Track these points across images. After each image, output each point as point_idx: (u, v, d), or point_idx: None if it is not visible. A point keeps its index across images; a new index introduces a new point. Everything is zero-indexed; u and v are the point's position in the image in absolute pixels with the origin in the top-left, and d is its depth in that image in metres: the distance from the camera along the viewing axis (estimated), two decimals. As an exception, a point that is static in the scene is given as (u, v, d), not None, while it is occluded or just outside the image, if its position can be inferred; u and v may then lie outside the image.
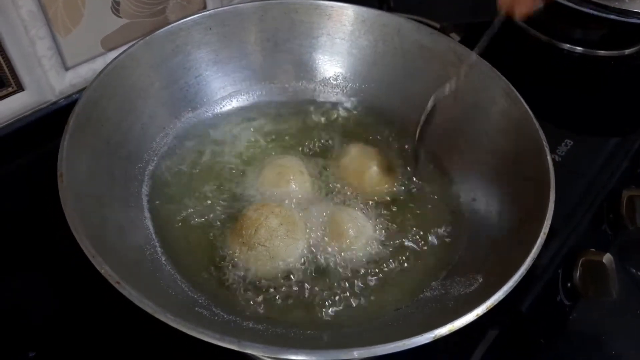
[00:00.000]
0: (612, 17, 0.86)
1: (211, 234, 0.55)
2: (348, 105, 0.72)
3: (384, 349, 0.36)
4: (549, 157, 0.50)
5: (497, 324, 0.56)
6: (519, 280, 0.41)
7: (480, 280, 0.46)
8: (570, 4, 0.87)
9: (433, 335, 0.37)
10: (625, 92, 0.89)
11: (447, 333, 0.37)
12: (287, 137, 0.67)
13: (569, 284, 0.63)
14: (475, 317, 0.38)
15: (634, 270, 0.71)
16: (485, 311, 0.39)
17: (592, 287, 0.62)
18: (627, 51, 0.95)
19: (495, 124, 0.59)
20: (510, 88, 0.57)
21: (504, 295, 0.40)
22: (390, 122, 0.69)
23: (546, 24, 0.97)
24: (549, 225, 0.44)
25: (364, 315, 0.49)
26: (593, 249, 0.64)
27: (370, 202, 0.60)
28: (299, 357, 0.35)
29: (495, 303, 0.39)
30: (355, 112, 0.71)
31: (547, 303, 0.61)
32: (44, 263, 0.58)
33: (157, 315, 0.37)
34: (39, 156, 0.69)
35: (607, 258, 0.62)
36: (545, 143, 0.51)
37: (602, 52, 0.94)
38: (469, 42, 0.84)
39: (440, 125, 0.65)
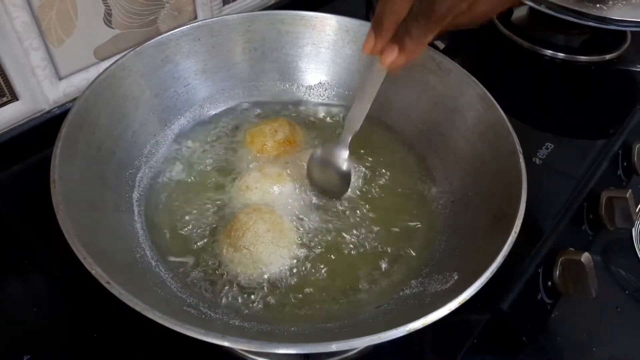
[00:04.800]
0: (592, 24, 0.88)
1: (200, 236, 0.57)
2: (332, 110, 0.74)
3: (361, 341, 0.38)
4: (521, 159, 0.52)
5: (480, 322, 0.58)
6: (491, 276, 0.42)
7: (455, 278, 0.48)
8: (551, 12, 0.90)
9: (407, 328, 0.38)
10: (605, 97, 0.92)
11: (421, 327, 0.38)
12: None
13: (549, 283, 0.64)
14: (448, 312, 0.40)
15: (614, 269, 0.73)
16: (457, 306, 0.40)
17: (572, 285, 0.63)
18: (607, 56, 0.97)
19: (472, 128, 0.60)
20: (486, 93, 0.59)
21: (476, 291, 0.41)
22: (373, 127, 0.70)
23: (528, 31, 1.00)
24: (520, 224, 0.46)
25: (346, 313, 0.51)
26: (572, 248, 0.66)
27: (351, 203, 0.62)
28: (280, 351, 0.37)
29: (468, 298, 0.41)
30: (338, 117, 0.73)
31: (528, 301, 0.62)
32: (38, 267, 0.60)
33: (145, 313, 0.38)
34: (33, 164, 0.70)
35: (585, 257, 0.63)
36: (518, 146, 0.53)
37: (583, 58, 0.96)
38: (453, 49, 0.87)
39: (421, 130, 0.67)
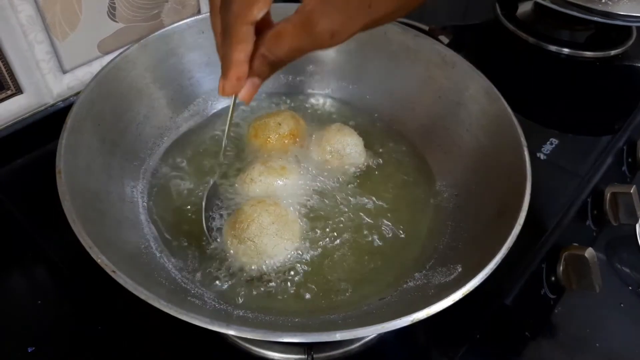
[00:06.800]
0: (597, 19, 0.88)
1: (204, 228, 0.57)
2: (336, 104, 0.74)
3: (365, 331, 0.38)
4: (525, 152, 0.52)
5: (483, 317, 0.58)
6: (494, 268, 0.42)
7: (459, 270, 0.48)
8: (556, 7, 0.90)
9: (411, 319, 0.38)
10: (610, 93, 0.91)
11: (425, 317, 0.39)
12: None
13: (553, 278, 0.64)
14: (452, 302, 0.40)
15: (618, 265, 0.72)
16: (461, 297, 0.40)
17: (576, 280, 0.63)
18: (612, 52, 0.97)
19: (476, 121, 0.60)
20: (491, 87, 0.59)
21: (480, 282, 0.41)
22: (376, 121, 0.72)
23: (533, 26, 0.99)
24: (524, 217, 0.46)
25: (349, 305, 0.51)
26: (576, 244, 0.66)
27: (355, 196, 0.62)
28: (284, 339, 0.37)
29: (472, 289, 0.41)
30: (342, 111, 0.73)
31: (532, 296, 0.62)
32: (42, 260, 0.60)
33: (150, 301, 0.38)
34: (37, 157, 0.70)
35: (589, 252, 0.63)
36: (522, 139, 0.53)
37: (588, 54, 0.96)
38: (457, 44, 0.87)
39: (424, 123, 0.67)
